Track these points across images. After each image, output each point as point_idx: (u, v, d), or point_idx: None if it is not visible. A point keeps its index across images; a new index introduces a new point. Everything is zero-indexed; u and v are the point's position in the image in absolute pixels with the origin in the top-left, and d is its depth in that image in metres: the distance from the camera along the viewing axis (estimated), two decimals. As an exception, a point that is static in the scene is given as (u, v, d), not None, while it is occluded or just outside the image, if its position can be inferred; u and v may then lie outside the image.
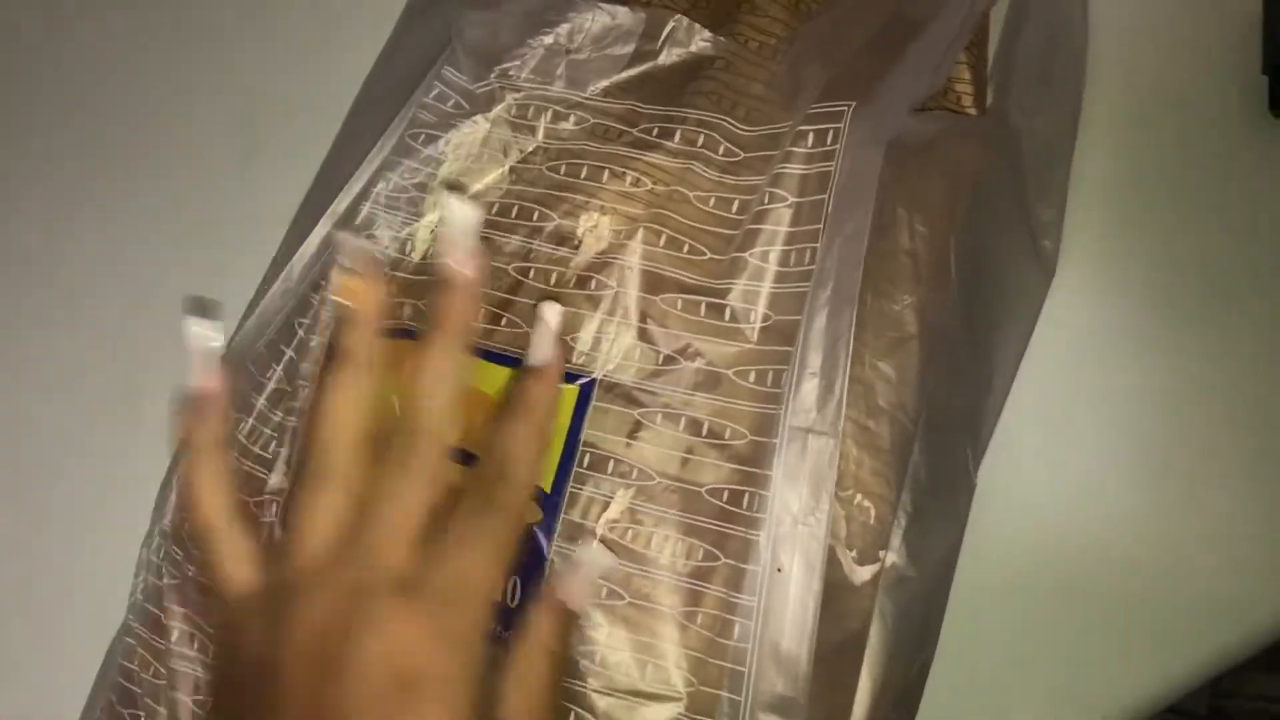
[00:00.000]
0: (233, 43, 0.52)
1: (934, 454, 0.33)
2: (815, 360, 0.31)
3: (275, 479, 0.36)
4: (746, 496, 0.31)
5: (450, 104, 0.37)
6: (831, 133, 0.32)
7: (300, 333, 0.37)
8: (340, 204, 0.38)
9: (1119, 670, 0.36)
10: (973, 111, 0.36)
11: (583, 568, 0.32)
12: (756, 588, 0.30)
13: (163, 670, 0.37)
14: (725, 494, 0.32)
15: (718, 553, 0.31)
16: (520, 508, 0.31)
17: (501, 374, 0.34)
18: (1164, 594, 0.36)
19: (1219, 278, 0.37)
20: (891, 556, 0.32)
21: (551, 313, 0.32)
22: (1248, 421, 0.36)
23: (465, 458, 0.34)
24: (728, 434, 0.32)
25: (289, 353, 0.37)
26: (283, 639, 0.28)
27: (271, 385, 0.37)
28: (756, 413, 0.32)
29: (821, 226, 0.31)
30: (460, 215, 0.31)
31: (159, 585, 0.38)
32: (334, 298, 0.33)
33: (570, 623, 0.32)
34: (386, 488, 0.30)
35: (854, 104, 0.32)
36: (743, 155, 0.34)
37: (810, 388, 0.31)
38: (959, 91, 0.36)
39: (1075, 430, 0.37)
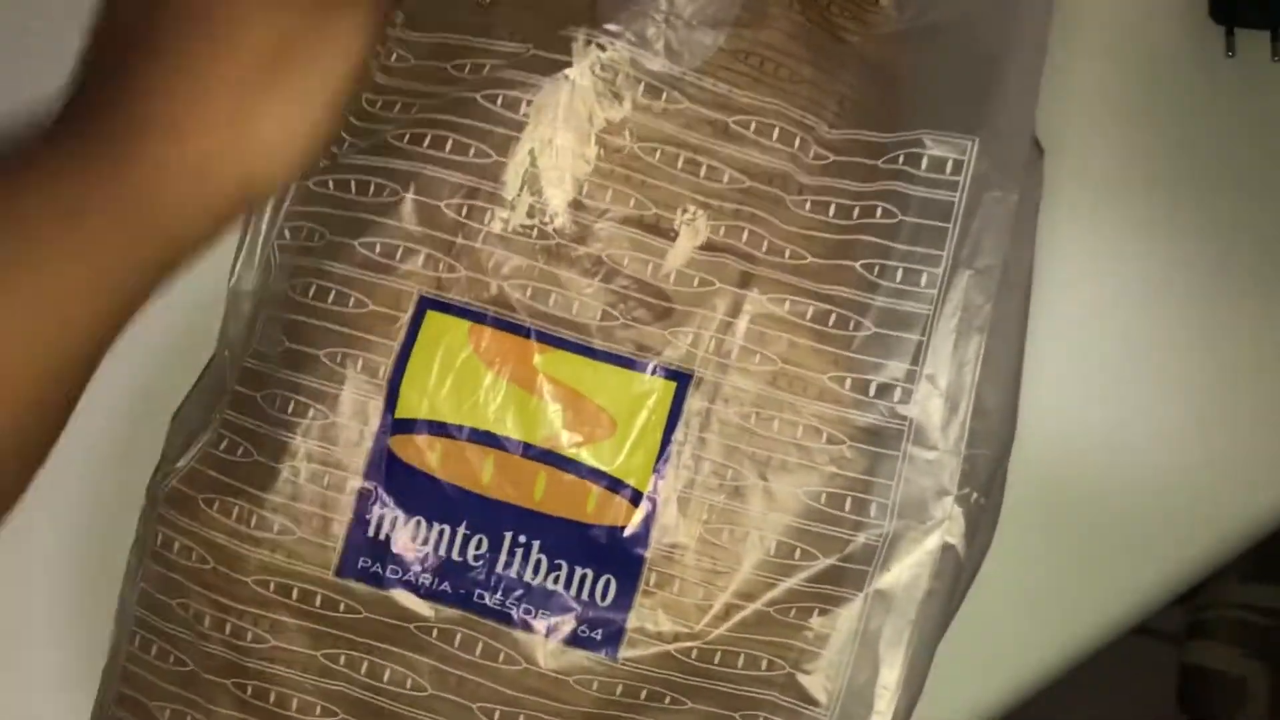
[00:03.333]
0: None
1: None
2: (942, 381, 0.32)
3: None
4: (849, 500, 0.33)
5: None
6: (952, 163, 0.33)
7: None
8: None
9: (1091, 585, 0.38)
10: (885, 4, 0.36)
11: None
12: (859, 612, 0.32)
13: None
14: (823, 496, 0.33)
15: (816, 552, 0.33)
16: None
17: (611, 376, 0.33)
18: (1133, 507, 0.38)
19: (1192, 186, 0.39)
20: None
21: None
22: (1222, 324, 0.38)
23: (546, 455, 0.33)
24: (824, 438, 0.33)
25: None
26: None
27: None
28: (854, 419, 0.33)
29: (946, 254, 0.32)
30: None
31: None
32: None
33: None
34: None
35: (976, 140, 0.32)
36: (832, 159, 0.34)
37: (936, 407, 0.32)
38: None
39: (1046, 340, 0.37)
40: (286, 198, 0.36)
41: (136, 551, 0.36)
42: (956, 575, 0.33)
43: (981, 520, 0.34)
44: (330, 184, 0.35)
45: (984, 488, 0.34)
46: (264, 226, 0.37)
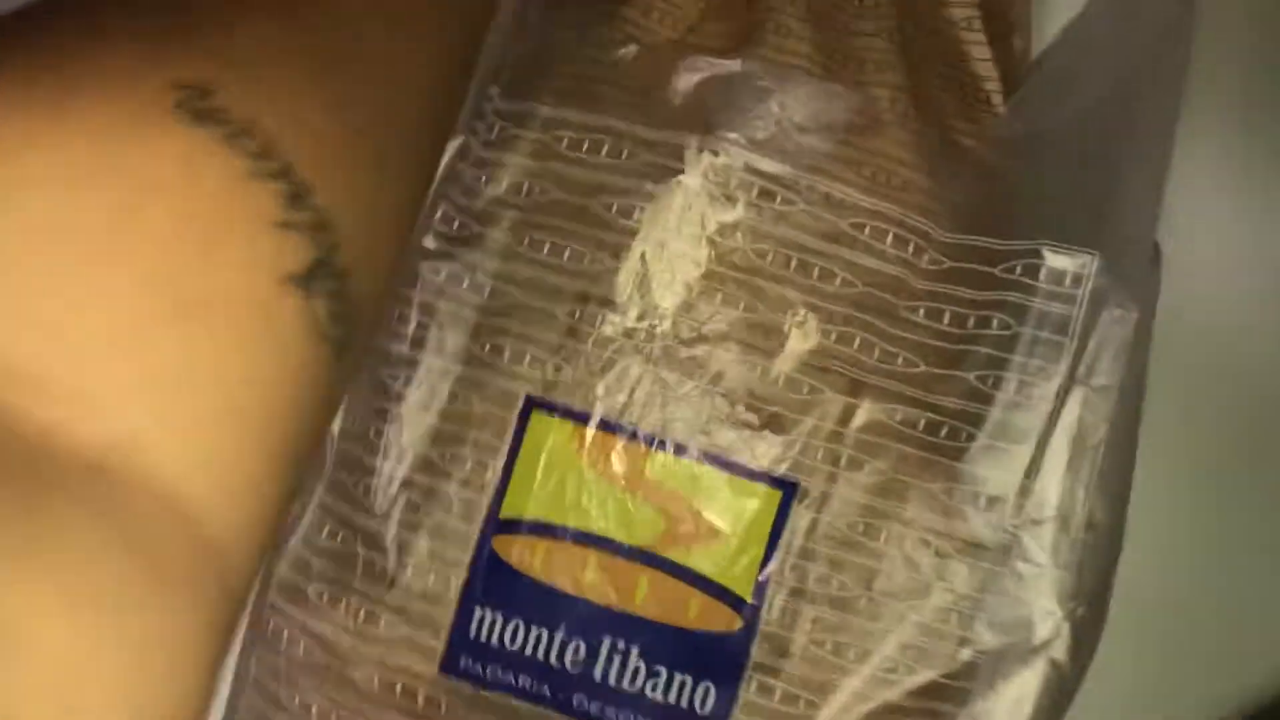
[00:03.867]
0: None
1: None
2: (1053, 497, 0.32)
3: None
4: (955, 616, 0.32)
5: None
6: (1071, 276, 0.32)
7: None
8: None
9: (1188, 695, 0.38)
10: (1000, 109, 0.36)
11: None
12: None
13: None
14: (929, 610, 0.32)
15: (919, 667, 0.32)
16: None
17: (716, 482, 0.33)
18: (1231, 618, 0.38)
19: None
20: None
21: None
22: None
23: (650, 558, 0.33)
24: (932, 551, 0.32)
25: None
26: None
27: None
28: (962, 533, 0.32)
29: (1061, 369, 0.32)
30: None
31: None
32: None
33: None
34: None
35: (1097, 256, 0.32)
36: (947, 264, 0.33)
37: (1047, 523, 0.32)
38: (988, 90, 0.36)
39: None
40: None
41: (250, 632, 0.37)
42: (1060, 691, 0.33)
43: (1086, 636, 0.33)
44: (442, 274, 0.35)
45: (1090, 602, 0.33)
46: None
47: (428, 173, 0.30)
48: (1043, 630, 0.32)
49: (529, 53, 0.37)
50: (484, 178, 0.35)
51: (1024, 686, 0.32)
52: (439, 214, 0.36)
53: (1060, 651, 0.32)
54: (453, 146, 0.36)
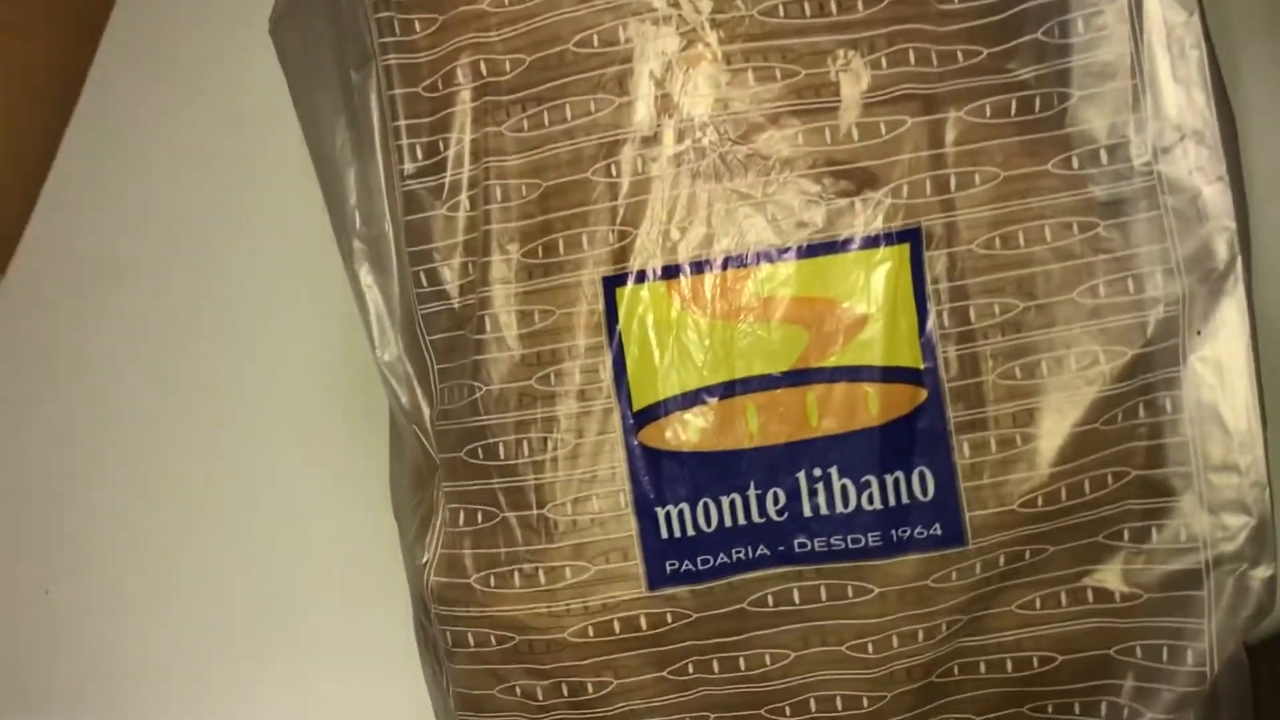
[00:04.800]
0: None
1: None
2: (1171, 111, 0.29)
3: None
4: (1129, 280, 0.30)
5: None
6: None
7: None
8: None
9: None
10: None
11: None
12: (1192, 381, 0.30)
13: None
14: (1099, 288, 0.30)
15: (1118, 348, 0.30)
16: None
17: (837, 267, 0.29)
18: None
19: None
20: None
21: None
22: None
23: (806, 376, 0.30)
24: (1075, 230, 0.30)
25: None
26: None
27: None
28: (1097, 196, 0.30)
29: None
30: None
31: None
32: None
33: None
34: None
35: None
36: None
37: (1172, 141, 0.29)
38: None
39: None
40: (403, 251, 0.32)
41: (429, 661, 0.34)
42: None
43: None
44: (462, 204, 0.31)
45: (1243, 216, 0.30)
46: (390, 288, 0.33)
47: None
48: (1222, 251, 0.29)
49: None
50: (435, 83, 0.31)
51: (1227, 318, 0.30)
52: (404, 152, 0.31)
53: (1243, 270, 0.30)
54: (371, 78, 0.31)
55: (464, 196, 0.31)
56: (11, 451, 0.42)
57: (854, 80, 0.29)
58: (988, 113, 0.29)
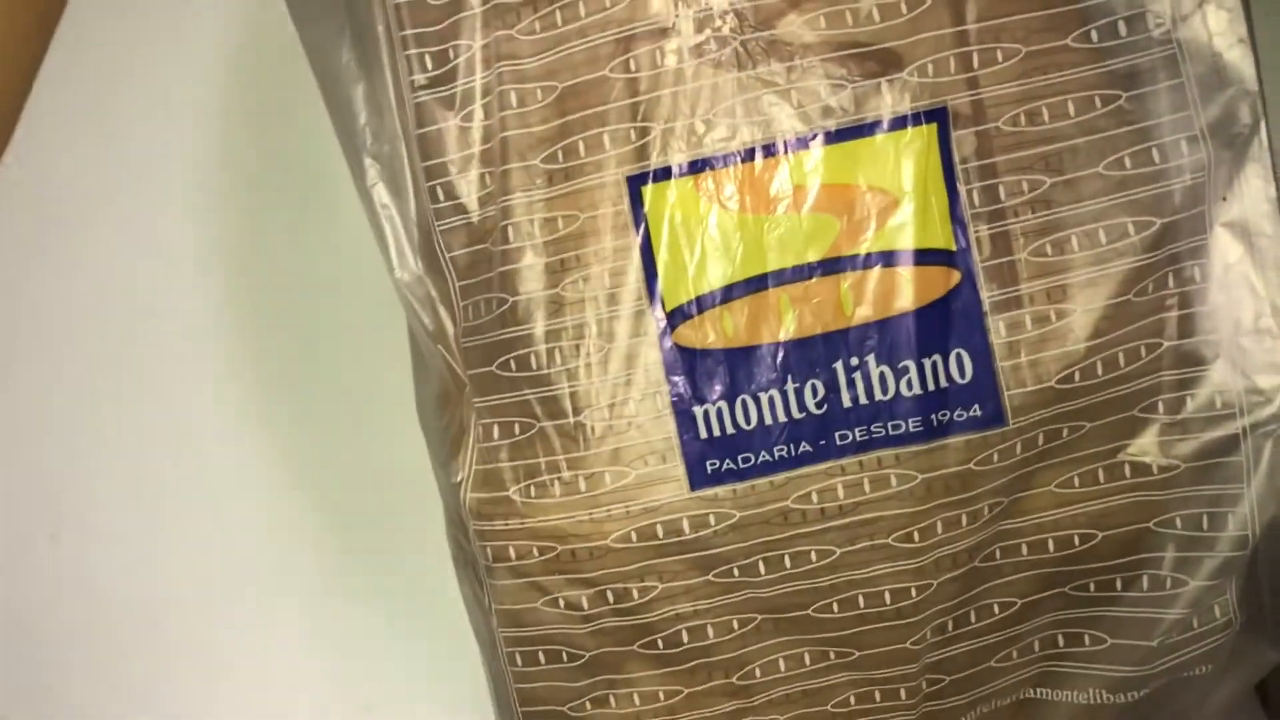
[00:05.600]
0: None
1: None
2: None
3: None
4: (1154, 151, 0.30)
5: None
6: None
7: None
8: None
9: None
10: None
11: None
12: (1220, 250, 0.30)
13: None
14: (1126, 160, 0.30)
15: (1147, 218, 0.30)
16: None
17: (866, 149, 0.29)
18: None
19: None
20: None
21: None
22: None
23: (839, 264, 0.30)
24: (1098, 102, 0.30)
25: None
26: None
27: None
28: (1118, 69, 0.30)
29: None
30: None
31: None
32: None
33: None
34: None
35: None
36: None
37: (1199, 17, 0.29)
38: None
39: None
40: (417, 167, 0.31)
41: (468, 581, 0.33)
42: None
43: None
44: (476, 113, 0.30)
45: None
46: (406, 207, 0.32)
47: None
48: (1245, 115, 0.29)
49: None
50: None
51: (1252, 182, 0.30)
52: (413, 62, 0.31)
53: (1266, 133, 0.30)
54: None
55: (478, 105, 0.31)
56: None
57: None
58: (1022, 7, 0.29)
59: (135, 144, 0.41)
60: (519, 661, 0.33)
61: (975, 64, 0.29)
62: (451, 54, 0.31)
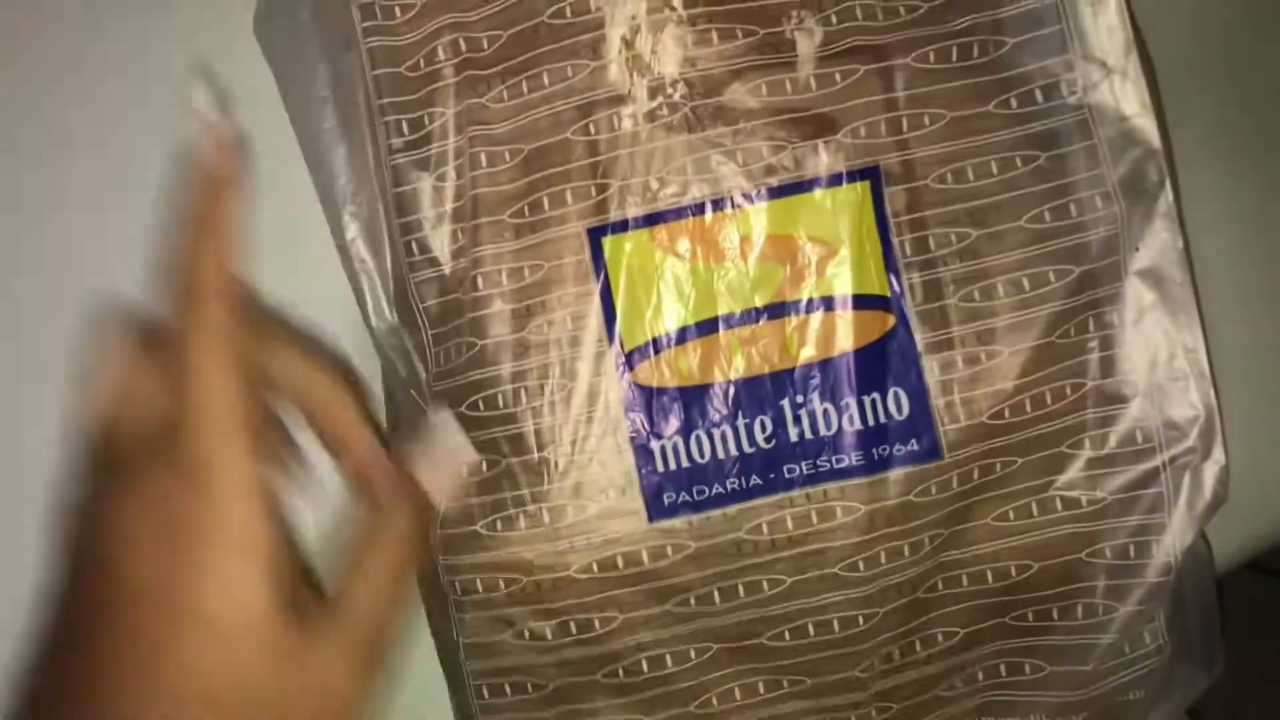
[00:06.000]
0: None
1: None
2: (1096, 50, 0.32)
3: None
4: (1071, 205, 0.32)
5: None
6: None
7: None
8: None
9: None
10: None
11: (441, 456, 0.32)
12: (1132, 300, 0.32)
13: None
14: (1045, 213, 0.32)
15: (1066, 266, 0.32)
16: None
17: (806, 205, 0.32)
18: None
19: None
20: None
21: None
22: None
23: (784, 309, 0.32)
24: (1019, 162, 0.32)
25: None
26: None
27: None
28: (1036, 131, 0.32)
29: None
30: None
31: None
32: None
33: (429, 514, 0.32)
34: None
35: None
36: None
37: (1099, 78, 0.32)
38: None
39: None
40: (393, 224, 0.34)
41: (436, 612, 0.35)
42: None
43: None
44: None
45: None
46: (383, 261, 0.34)
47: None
48: (1151, 173, 0.32)
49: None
50: (417, 63, 0.33)
51: (1161, 233, 0.33)
52: (390, 128, 0.33)
53: (1171, 189, 0.33)
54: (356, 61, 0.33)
55: (450, 166, 0.33)
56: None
57: (808, 36, 0.32)
58: (932, 59, 0.32)
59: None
60: (485, 694, 0.34)
61: (905, 128, 0.32)
62: (427, 120, 0.33)
